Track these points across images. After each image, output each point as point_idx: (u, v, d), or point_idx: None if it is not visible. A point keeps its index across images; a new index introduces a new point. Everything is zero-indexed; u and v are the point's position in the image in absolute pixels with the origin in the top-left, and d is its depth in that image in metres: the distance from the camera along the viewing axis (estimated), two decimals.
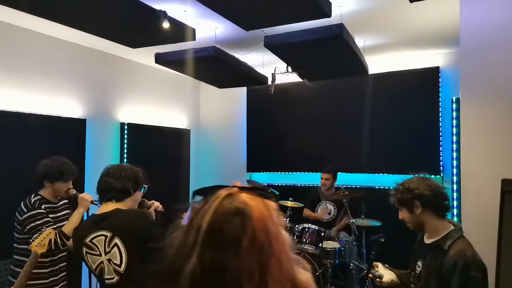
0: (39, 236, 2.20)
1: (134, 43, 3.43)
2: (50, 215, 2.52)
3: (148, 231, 1.84)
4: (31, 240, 2.26)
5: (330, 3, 2.73)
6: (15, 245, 2.49)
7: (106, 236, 1.84)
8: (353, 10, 3.24)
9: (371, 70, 4.29)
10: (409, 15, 3.41)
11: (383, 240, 2.21)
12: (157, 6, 2.94)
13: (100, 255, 1.84)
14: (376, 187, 4.73)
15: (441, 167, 4.52)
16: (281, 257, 0.61)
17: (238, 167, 5.68)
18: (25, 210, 2.44)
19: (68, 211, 2.70)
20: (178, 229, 0.69)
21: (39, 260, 2.44)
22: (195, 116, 5.98)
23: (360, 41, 3.99)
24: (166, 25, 2.88)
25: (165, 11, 2.86)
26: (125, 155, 4.63)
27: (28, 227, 2.40)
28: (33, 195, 2.52)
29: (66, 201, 2.74)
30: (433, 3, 3.02)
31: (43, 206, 2.48)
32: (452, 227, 1.81)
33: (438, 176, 4.52)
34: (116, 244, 1.82)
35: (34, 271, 2.42)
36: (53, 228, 2.38)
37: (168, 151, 5.26)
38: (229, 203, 0.63)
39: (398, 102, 4.72)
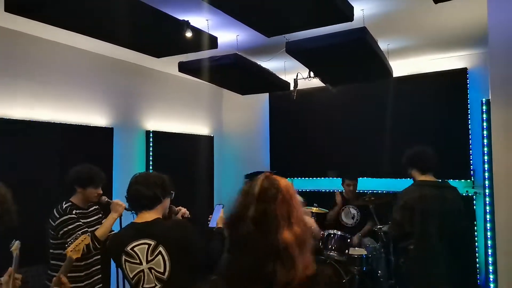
0: (74, 241, 2.28)
1: (158, 53, 3.51)
2: (82, 220, 2.59)
3: (190, 240, 1.91)
4: (66, 245, 2.33)
5: (352, 7, 2.71)
6: (50, 250, 2.58)
7: (149, 245, 1.88)
8: (376, 13, 3.20)
9: (396, 73, 4.21)
10: (434, 16, 3.33)
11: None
12: (180, 16, 3.00)
13: (140, 263, 1.88)
14: None
15: (472, 172, 4.36)
16: (297, 208, 1.08)
17: (261, 172, 5.67)
18: (58, 216, 2.53)
19: (99, 215, 2.78)
20: (238, 195, 1.12)
21: (74, 264, 2.52)
22: (218, 123, 6.03)
23: (383, 44, 3.93)
24: (189, 34, 2.94)
25: (188, 21, 2.91)
26: (150, 162, 4.72)
27: (61, 232, 2.49)
28: (64, 202, 2.61)
29: (97, 206, 2.82)
30: (459, 2, 2.94)
31: (74, 212, 2.57)
32: None
33: (469, 180, 4.37)
34: (160, 252, 1.87)
35: (69, 275, 2.51)
36: (84, 232, 2.47)
37: (192, 158, 5.33)
38: (268, 179, 1.11)
39: (424, 105, 4.60)
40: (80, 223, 2.56)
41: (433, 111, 4.55)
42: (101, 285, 2.75)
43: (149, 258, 1.87)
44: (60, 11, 2.48)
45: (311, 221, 1.14)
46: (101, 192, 2.69)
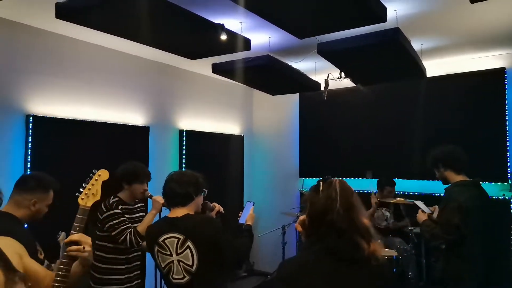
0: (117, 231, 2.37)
1: (193, 55, 3.64)
2: (126, 216, 2.75)
3: (216, 235, 1.99)
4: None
5: (385, 8, 2.71)
6: (96, 241, 2.73)
7: (178, 239, 1.99)
8: (409, 13, 3.19)
9: (430, 73, 4.15)
10: (470, 15, 3.27)
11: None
12: (216, 19, 3.11)
13: (171, 255, 2.00)
14: (436, 194, 4.54)
15: (509, 174, 4.23)
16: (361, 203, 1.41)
17: (290, 172, 5.73)
18: (104, 210, 2.70)
19: (143, 213, 2.93)
20: (316, 193, 1.40)
21: (115, 257, 2.69)
22: (248, 123, 6.14)
23: (417, 44, 3.89)
24: (223, 37, 3.04)
25: (223, 24, 3.02)
26: (183, 160, 4.88)
27: (106, 225, 2.66)
28: (112, 197, 2.78)
29: (142, 204, 2.99)
30: (496, 1, 2.88)
31: (120, 207, 2.73)
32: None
33: (506, 183, 4.24)
34: (188, 247, 1.97)
35: (110, 266, 2.67)
36: (128, 227, 2.62)
37: (223, 156, 5.46)
38: (341, 182, 1.40)
39: (459, 105, 4.50)
40: (125, 218, 2.71)
41: (469, 111, 4.44)
42: (139, 281, 2.89)
43: (179, 251, 1.97)
44: (104, 18, 2.65)
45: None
46: (147, 188, 2.83)
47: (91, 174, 1.73)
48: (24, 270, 1.46)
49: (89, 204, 1.65)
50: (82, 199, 1.65)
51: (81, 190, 1.67)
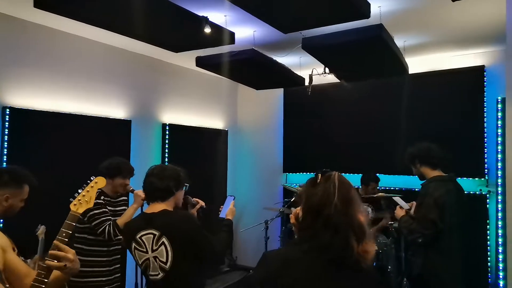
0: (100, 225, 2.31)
1: (176, 48, 3.58)
2: (108, 207, 2.73)
3: (193, 233, 1.96)
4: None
5: (369, 4, 2.73)
6: (76, 234, 2.70)
7: (154, 235, 1.96)
8: (393, 10, 3.21)
9: (412, 70, 4.20)
10: (451, 13, 3.32)
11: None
12: (200, 12, 3.07)
13: (146, 252, 1.97)
14: (416, 190, 4.62)
15: (486, 170, 4.35)
16: (360, 200, 1.33)
17: (274, 167, 5.75)
18: (80, 192, 2.64)
19: (125, 207, 2.90)
20: (313, 186, 1.33)
21: (94, 249, 2.65)
22: (232, 117, 6.11)
23: (400, 41, 3.93)
24: (207, 30, 3.00)
25: (207, 17, 2.98)
26: (166, 154, 4.83)
27: (88, 215, 2.61)
28: (88, 181, 2.72)
29: (125, 198, 2.95)
30: (476, 0, 2.94)
31: (101, 197, 2.71)
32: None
33: (483, 179, 4.35)
34: (163, 243, 1.94)
35: (89, 258, 2.63)
36: (108, 219, 2.58)
37: (207, 151, 5.43)
38: (339, 175, 1.33)
39: (440, 102, 4.58)
40: (106, 210, 2.69)
41: (449, 108, 4.53)
42: (119, 274, 2.87)
43: (154, 248, 1.95)
44: (84, 8, 2.58)
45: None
46: (129, 183, 2.81)
47: (88, 181, 1.67)
48: (6, 265, 1.42)
49: (81, 210, 1.59)
50: (74, 205, 1.58)
51: (75, 195, 1.60)
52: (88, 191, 1.64)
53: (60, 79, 3.79)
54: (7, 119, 3.32)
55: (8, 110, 3.33)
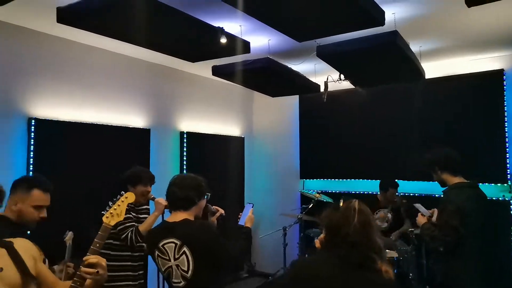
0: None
1: (193, 58, 3.67)
2: (132, 213, 2.82)
3: (211, 243, 2.01)
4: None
5: (383, 12, 2.74)
6: None
7: (176, 244, 2.01)
8: (407, 16, 3.21)
9: (429, 75, 4.17)
10: (468, 18, 3.29)
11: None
12: (215, 22, 3.14)
13: (169, 260, 2.02)
14: (436, 195, 4.55)
15: (509, 175, 4.25)
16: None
17: (291, 173, 5.75)
18: (111, 205, 2.74)
19: (147, 215, 2.98)
20: (333, 211, 1.50)
21: (122, 254, 2.72)
22: (248, 124, 6.16)
23: (415, 46, 3.91)
24: (223, 40, 3.07)
25: (222, 27, 3.04)
26: (184, 162, 4.91)
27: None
28: (119, 195, 2.83)
29: (148, 207, 3.03)
30: (494, 4, 2.90)
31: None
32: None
33: (506, 184, 4.25)
34: (184, 252, 1.99)
35: (115, 263, 2.70)
36: (132, 225, 2.66)
37: (224, 158, 5.48)
38: (360, 202, 1.49)
39: (458, 106, 4.52)
40: (131, 216, 2.77)
41: (468, 113, 4.46)
42: (142, 281, 2.95)
43: (176, 256, 2.00)
44: (105, 22, 2.68)
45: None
46: (150, 190, 2.89)
47: (118, 196, 1.88)
48: (36, 274, 1.50)
49: (112, 223, 1.72)
50: (106, 217, 1.72)
51: (107, 209, 1.76)
52: (119, 205, 1.78)
53: (82, 90, 3.93)
54: (32, 129, 3.46)
55: (33, 121, 3.47)
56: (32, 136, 3.45)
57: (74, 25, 2.72)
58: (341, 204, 1.52)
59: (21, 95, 3.47)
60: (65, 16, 2.57)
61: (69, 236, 2.12)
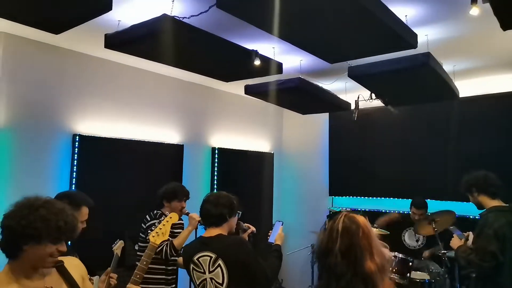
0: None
1: (228, 78, 3.81)
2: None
3: (245, 256, 2.08)
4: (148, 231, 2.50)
5: (416, 35, 2.77)
6: (138, 253, 2.94)
7: (211, 257, 2.10)
8: (440, 38, 3.22)
9: (462, 94, 4.11)
10: (502, 38, 3.25)
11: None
12: (250, 45, 3.27)
13: (204, 272, 2.11)
14: (470, 217, 4.44)
15: None
16: (376, 240, 1.27)
17: (320, 190, 5.75)
18: (149, 219, 2.90)
19: (181, 230, 3.09)
20: (321, 232, 1.31)
21: (157, 267, 2.83)
22: (278, 141, 6.24)
23: (449, 66, 3.89)
24: (257, 62, 3.18)
25: (256, 50, 3.16)
26: (215, 177, 5.03)
27: (150, 233, 2.82)
28: (155, 210, 2.99)
29: (182, 222, 3.15)
30: None
31: (162, 217, 2.91)
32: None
33: None
34: (219, 265, 2.08)
35: (152, 276, 2.81)
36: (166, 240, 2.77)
37: (253, 174, 5.57)
38: (348, 218, 1.29)
39: (493, 126, 4.41)
40: None
41: (504, 132, 4.35)
42: (174, 286, 3.04)
43: (211, 269, 2.08)
44: (148, 47, 2.86)
45: (387, 252, 1.26)
46: (185, 205, 3.02)
47: (163, 216, 2.09)
48: None
49: (158, 242, 1.88)
50: (153, 236, 1.87)
51: (153, 228, 1.90)
52: (164, 224, 1.94)
53: (122, 108, 4.15)
54: (76, 145, 3.68)
55: (77, 137, 3.70)
56: (76, 152, 3.67)
57: (120, 50, 2.91)
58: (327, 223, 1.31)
59: (67, 112, 3.72)
60: (112, 42, 2.76)
61: (118, 245, 2.17)
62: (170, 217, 1.97)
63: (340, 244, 1.22)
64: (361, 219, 1.30)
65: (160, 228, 1.88)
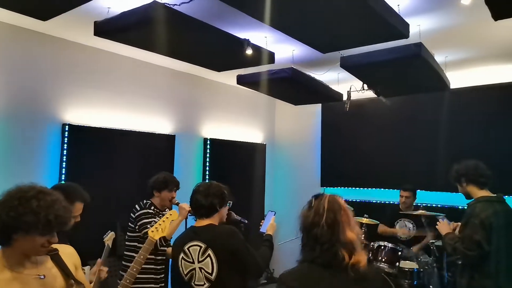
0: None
1: (220, 68, 3.78)
2: (157, 218, 2.91)
3: (236, 246, 2.08)
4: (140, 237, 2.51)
5: (408, 24, 2.77)
6: (126, 243, 2.93)
7: (200, 247, 2.10)
8: (433, 28, 3.22)
9: (454, 85, 4.13)
10: (494, 30, 3.26)
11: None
12: (242, 33, 3.24)
13: (193, 262, 2.11)
14: (460, 207, 4.49)
15: None
16: (352, 218, 1.50)
17: (312, 181, 5.77)
18: (138, 209, 2.89)
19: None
20: (305, 210, 1.52)
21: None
22: (270, 131, 6.24)
23: (441, 57, 3.89)
24: (249, 51, 3.16)
25: (248, 39, 3.14)
26: (207, 167, 5.02)
27: (139, 223, 2.83)
28: (145, 200, 2.98)
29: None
30: None
31: (152, 207, 2.93)
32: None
33: None
34: (209, 255, 2.07)
35: (138, 275, 2.79)
36: None
37: (245, 164, 5.57)
38: (332, 197, 1.52)
39: (484, 117, 4.45)
40: (155, 220, 2.86)
41: (495, 124, 4.39)
42: (163, 284, 3.04)
43: (200, 259, 2.08)
44: (138, 35, 2.82)
45: (359, 229, 1.49)
46: (175, 195, 3.00)
47: (153, 206, 2.18)
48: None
49: (156, 237, 1.92)
50: (152, 231, 1.91)
51: (152, 223, 1.94)
52: (163, 221, 1.99)
53: (112, 97, 4.10)
54: (66, 135, 3.64)
55: (67, 126, 3.65)
56: (65, 141, 3.63)
57: (110, 38, 2.86)
58: (312, 202, 1.51)
59: (56, 102, 3.66)
60: (102, 29, 2.71)
61: (109, 236, 2.14)
62: (170, 214, 2.00)
63: (326, 218, 1.44)
64: (342, 200, 1.55)
65: (160, 224, 1.91)
